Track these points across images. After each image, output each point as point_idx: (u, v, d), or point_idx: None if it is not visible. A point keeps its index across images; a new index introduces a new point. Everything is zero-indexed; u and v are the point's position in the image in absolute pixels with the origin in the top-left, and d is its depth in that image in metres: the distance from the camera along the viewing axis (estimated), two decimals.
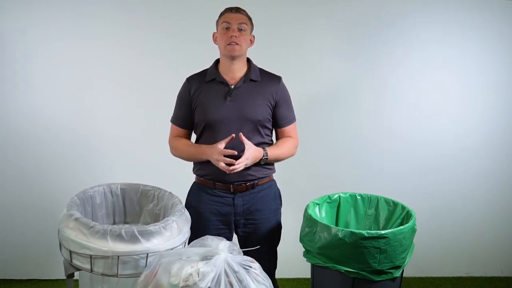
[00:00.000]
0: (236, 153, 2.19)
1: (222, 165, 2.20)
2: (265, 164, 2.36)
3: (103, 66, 3.17)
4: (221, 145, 2.21)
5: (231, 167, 2.19)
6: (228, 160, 2.19)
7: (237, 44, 2.26)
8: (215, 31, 2.36)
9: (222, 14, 2.33)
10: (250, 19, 2.33)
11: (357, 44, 3.24)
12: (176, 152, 2.43)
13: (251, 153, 2.23)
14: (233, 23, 2.27)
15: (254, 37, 2.36)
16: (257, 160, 2.29)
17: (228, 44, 2.26)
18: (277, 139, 2.45)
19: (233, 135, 2.22)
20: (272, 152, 2.32)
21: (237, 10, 2.30)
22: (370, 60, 3.25)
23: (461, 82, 3.30)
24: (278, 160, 2.39)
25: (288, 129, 2.41)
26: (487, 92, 3.31)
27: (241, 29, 2.28)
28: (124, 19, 3.14)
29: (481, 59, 3.27)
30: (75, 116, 3.20)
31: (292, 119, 2.43)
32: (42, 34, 3.10)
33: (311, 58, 3.23)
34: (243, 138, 2.22)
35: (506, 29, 3.24)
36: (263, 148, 2.30)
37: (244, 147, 2.22)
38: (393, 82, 3.28)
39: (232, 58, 2.30)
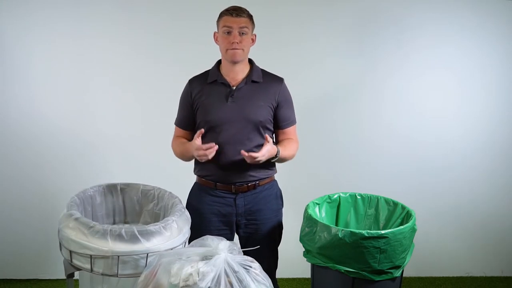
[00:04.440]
0: (214, 144, 2.20)
1: (204, 158, 2.20)
2: (268, 164, 2.36)
3: (103, 66, 3.17)
4: (197, 141, 2.22)
5: (254, 157, 2.17)
6: (207, 145, 2.19)
7: (238, 49, 2.25)
8: (216, 30, 2.34)
9: (222, 15, 2.29)
10: (251, 18, 2.30)
11: (358, 44, 3.24)
12: (174, 152, 2.44)
13: (269, 148, 2.23)
14: (234, 28, 2.24)
15: (255, 35, 2.35)
16: (270, 157, 2.27)
17: (230, 49, 2.25)
18: (276, 141, 2.44)
19: (203, 130, 2.24)
20: (283, 151, 2.32)
21: (237, 14, 2.24)
22: (370, 60, 3.25)
23: (461, 82, 3.30)
24: (283, 161, 2.39)
25: (289, 131, 2.41)
26: (487, 92, 3.31)
27: (242, 33, 2.25)
28: (124, 19, 3.14)
29: (481, 59, 3.27)
30: (75, 116, 3.20)
31: (292, 121, 2.42)
32: (42, 34, 3.10)
33: (311, 58, 3.23)
34: (266, 136, 2.23)
35: (506, 29, 3.24)
36: (277, 147, 2.31)
37: (242, 147, 2.22)
38: (393, 82, 3.28)
39: (234, 62, 2.30)
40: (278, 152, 2.29)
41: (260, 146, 2.29)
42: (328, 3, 3.18)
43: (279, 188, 2.49)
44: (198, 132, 2.25)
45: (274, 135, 2.44)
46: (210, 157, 2.21)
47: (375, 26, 3.22)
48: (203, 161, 2.25)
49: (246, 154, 2.17)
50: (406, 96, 3.30)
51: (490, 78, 3.30)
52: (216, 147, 2.21)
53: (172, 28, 3.15)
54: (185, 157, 2.40)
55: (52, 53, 3.13)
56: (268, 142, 2.22)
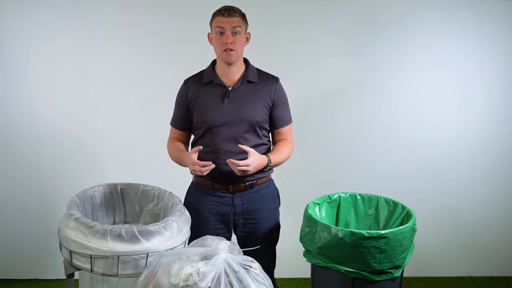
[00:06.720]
0: (211, 163, 2.20)
1: (198, 173, 2.23)
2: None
3: (103, 66, 3.17)
4: (194, 155, 2.22)
5: (239, 168, 2.17)
6: (203, 163, 2.19)
7: (232, 50, 2.24)
8: (210, 31, 2.33)
9: (214, 16, 2.27)
10: (243, 17, 2.28)
11: (357, 44, 3.24)
12: (169, 155, 2.44)
13: (254, 160, 2.22)
14: (227, 28, 2.23)
15: (249, 34, 2.34)
16: (261, 168, 2.28)
17: (224, 51, 2.24)
18: (272, 140, 2.45)
19: (201, 147, 2.23)
20: (274, 158, 2.32)
21: (229, 13, 2.23)
22: (370, 60, 3.25)
23: (461, 82, 3.30)
24: (278, 165, 2.39)
25: (284, 130, 2.41)
26: (487, 92, 3.31)
27: (235, 33, 2.24)
28: (124, 19, 3.14)
29: (481, 59, 3.27)
30: (75, 116, 3.20)
31: (288, 120, 2.42)
32: (42, 34, 3.10)
33: (311, 58, 3.23)
34: (245, 147, 2.22)
35: (506, 29, 3.24)
36: (267, 156, 2.30)
37: (244, 153, 2.22)
38: (393, 82, 3.28)
39: (229, 63, 2.30)
40: (269, 161, 2.29)
41: (257, 146, 2.31)
42: (328, 3, 3.18)
43: (275, 187, 2.49)
44: (196, 148, 2.24)
45: (270, 134, 2.44)
46: (204, 174, 2.22)
47: (375, 26, 3.21)
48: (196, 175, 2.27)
49: (229, 161, 2.18)
50: (406, 96, 3.30)
51: (490, 78, 3.29)
52: (213, 166, 2.21)
53: (172, 28, 3.15)
54: (180, 164, 2.40)
55: (52, 53, 3.13)
56: (251, 153, 2.21)
